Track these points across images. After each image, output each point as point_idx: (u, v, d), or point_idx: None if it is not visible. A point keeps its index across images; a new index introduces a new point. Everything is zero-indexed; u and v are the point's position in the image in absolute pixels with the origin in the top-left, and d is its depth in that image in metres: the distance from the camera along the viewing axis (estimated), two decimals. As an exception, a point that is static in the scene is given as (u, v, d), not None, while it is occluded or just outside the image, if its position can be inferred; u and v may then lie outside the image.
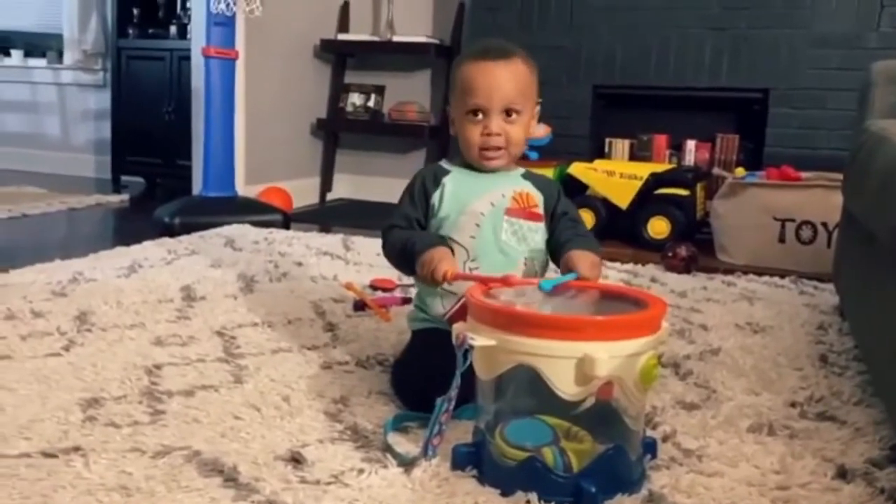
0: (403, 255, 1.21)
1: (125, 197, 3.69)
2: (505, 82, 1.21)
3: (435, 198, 1.25)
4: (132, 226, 3.04)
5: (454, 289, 1.20)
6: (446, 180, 1.26)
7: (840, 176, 2.40)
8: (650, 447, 1.04)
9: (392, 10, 3.64)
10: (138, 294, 1.82)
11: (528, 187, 1.27)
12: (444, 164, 1.30)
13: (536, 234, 1.25)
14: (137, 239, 2.46)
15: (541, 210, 1.26)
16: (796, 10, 2.82)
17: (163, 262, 2.19)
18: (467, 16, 3.48)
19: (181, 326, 1.59)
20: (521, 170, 1.31)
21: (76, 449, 1.02)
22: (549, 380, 0.90)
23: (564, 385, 0.90)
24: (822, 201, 2.41)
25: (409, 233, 1.24)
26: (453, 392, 0.97)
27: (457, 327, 0.97)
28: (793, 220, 2.47)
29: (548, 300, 1.08)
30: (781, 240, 2.49)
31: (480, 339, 0.93)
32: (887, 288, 1.19)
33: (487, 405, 1.01)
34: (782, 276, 2.25)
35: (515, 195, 1.24)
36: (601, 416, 0.98)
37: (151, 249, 2.35)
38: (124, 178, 4.12)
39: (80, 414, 1.13)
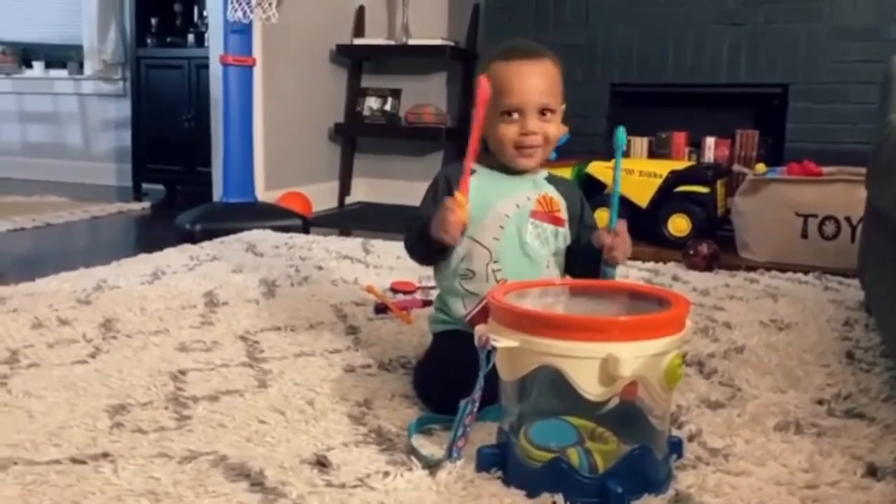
0: (420, 238, 1.22)
1: (146, 204, 3.73)
2: (539, 82, 1.21)
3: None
4: (154, 233, 3.07)
5: (477, 290, 1.21)
6: (472, 179, 1.26)
7: (863, 170, 2.38)
8: (676, 447, 1.03)
9: (407, 13, 3.65)
10: (162, 300, 1.84)
11: (552, 191, 1.28)
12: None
13: (557, 238, 1.26)
14: (159, 246, 2.49)
15: (563, 215, 1.26)
16: (815, 3, 2.79)
17: (185, 268, 2.21)
18: (482, 17, 3.48)
19: (205, 332, 1.61)
20: (545, 172, 1.31)
21: (105, 455, 1.03)
22: (573, 380, 0.90)
23: (589, 385, 0.90)
24: (844, 196, 2.39)
25: (422, 223, 1.24)
26: (477, 394, 0.97)
27: (479, 329, 0.97)
28: (815, 216, 2.45)
29: (570, 301, 1.08)
30: (804, 235, 2.46)
31: (503, 341, 0.93)
32: (914, 283, 1.18)
33: (511, 406, 1.01)
34: (806, 273, 2.23)
35: (540, 198, 1.25)
36: (626, 416, 0.98)
37: (174, 256, 2.38)
38: (145, 185, 4.16)
39: (108, 420, 1.14)
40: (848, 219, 2.39)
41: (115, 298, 1.85)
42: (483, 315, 1.09)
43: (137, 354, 1.45)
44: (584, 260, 1.25)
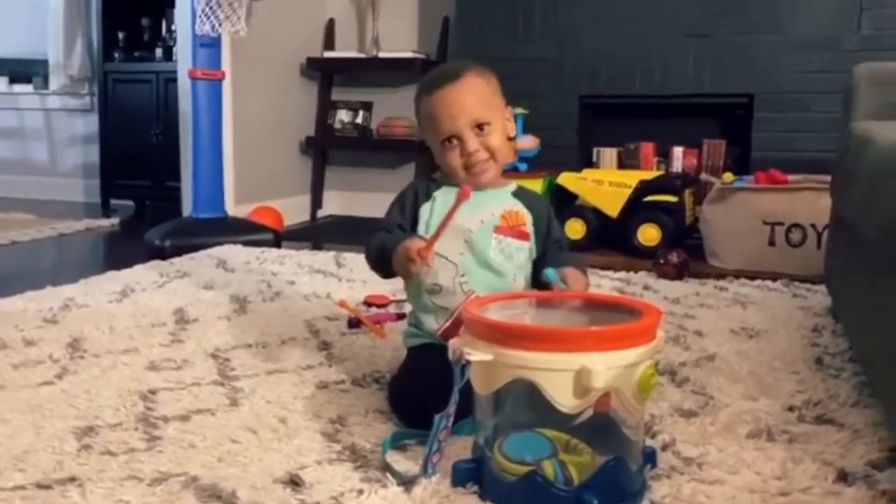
0: (381, 257, 1.23)
1: (115, 221, 3.68)
2: (464, 101, 1.22)
3: (424, 209, 1.26)
4: (123, 249, 3.02)
5: (447, 304, 1.20)
6: (437, 194, 1.26)
7: (826, 178, 2.42)
8: (650, 457, 1.03)
9: (377, 26, 3.65)
10: (131, 318, 1.81)
11: (518, 206, 1.28)
12: (437, 178, 1.31)
13: (522, 252, 1.26)
14: (128, 263, 2.45)
15: (528, 229, 1.27)
16: (777, 15, 2.84)
17: (155, 285, 2.18)
18: (452, 30, 3.50)
19: (175, 350, 1.58)
20: (513, 186, 1.31)
21: (72, 479, 1.00)
22: (547, 393, 0.90)
23: (563, 398, 0.90)
24: (810, 204, 2.42)
25: (387, 236, 1.25)
26: (451, 408, 0.97)
27: (453, 343, 0.97)
28: (782, 224, 2.48)
29: (539, 312, 1.08)
30: (771, 243, 2.50)
31: (477, 355, 0.93)
32: (879, 288, 1.20)
33: (486, 420, 1.00)
34: (774, 280, 2.26)
35: (504, 213, 1.25)
36: (600, 427, 0.98)
37: (143, 273, 2.34)
38: (113, 201, 4.10)
39: (75, 443, 1.12)
40: (814, 226, 2.43)
41: (83, 317, 1.81)
42: (455, 328, 1.09)
43: (106, 374, 1.43)
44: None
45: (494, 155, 1.24)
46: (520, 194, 1.30)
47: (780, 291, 2.16)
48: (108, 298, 2.01)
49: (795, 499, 0.97)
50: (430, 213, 1.25)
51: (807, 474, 1.03)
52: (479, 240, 1.23)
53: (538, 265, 1.25)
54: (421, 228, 1.25)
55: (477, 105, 1.22)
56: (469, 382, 0.96)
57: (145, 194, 4.07)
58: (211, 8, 2.73)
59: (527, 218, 1.27)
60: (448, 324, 1.15)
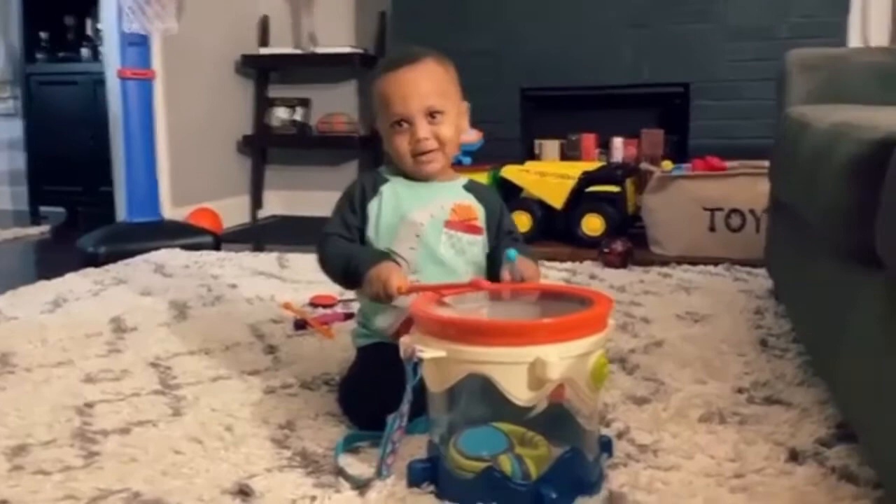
0: (346, 273, 1.17)
1: (45, 228, 3.53)
2: (419, 85, 1.19)
3: (373, 205, 1.22)
4: (54, 258, 2.90)
5: (397, 302, 1.18)
6: (384, 189, 1.23)
7: (762, 163, 2.47)
8: (606, 446, 1.03)
9: (313, 21, 3.59)
10: (64, 329, 1.73)
11: (470, 199, 1.25)
12: (383, 171, 1.27)
13: (475, 247, 1.24)
14: (60, 272, 2.35)
15: (481, 223, 1.25)
16: (711, 5, 2.89)
17: (89, 293, 2.09)
18: (390, 23, 3.46)
19: (112, 360, 1.52)
20: (464, 180, 1.29)
21: (3, 503, 0.94)
22: (501, 387, 0.88)
23: (517, 391, 0.88)
24: (747, 189, 2.47)
25: (349, 247, 1.20)
26: (405, 407, 0.94)
27: (404, 340, 0.94)
28: (721, 210, 2.53)
29: (490, 305, 1.07)
30: (712, 229, 2.54)
31: (430, 352, 0.90)
32: (819, 270, 1.22)
33: (440, 417, 0.98)
34: (715, 265, 2.30)
35: (455, 207, 1.22)
36: (555, 418, 0.97)
37: (76, 281, 2.25)
38: (43, 208, 3.94)
39: (6, 464, 1.06)
40: (752, 211, 2.48)
41: (13, 330, 1.73)
42: (406, 326, 1.06)
43: (38, 389, 1.35)
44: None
45: (444, 146, 1.21)
46: (471, 188, 1.28)
47: (722, 276, 2.19)
48: (39, 309, 1.92)
49: (750, 480, 0.97)
50: (379, 208, 1.22)
51: (759, 455, 1.04)
52: (430, 234, 1.20)
53: (492, 259, 1.23)
54: (370, 226, 1.22)
55: (432, 91, 1.19)
56: (422, 380, 0.94)
57: (77, 200, 3.92)
58: (139, 5, 2.63)
59: (479, 212, 1.25)
60: (399, 322, 1.12)
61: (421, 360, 0.91)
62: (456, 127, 1.23)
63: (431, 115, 1.20)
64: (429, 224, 1.20)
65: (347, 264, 1.17)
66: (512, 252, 1.11)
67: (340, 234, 1.22)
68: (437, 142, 1.21)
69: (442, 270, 1.18)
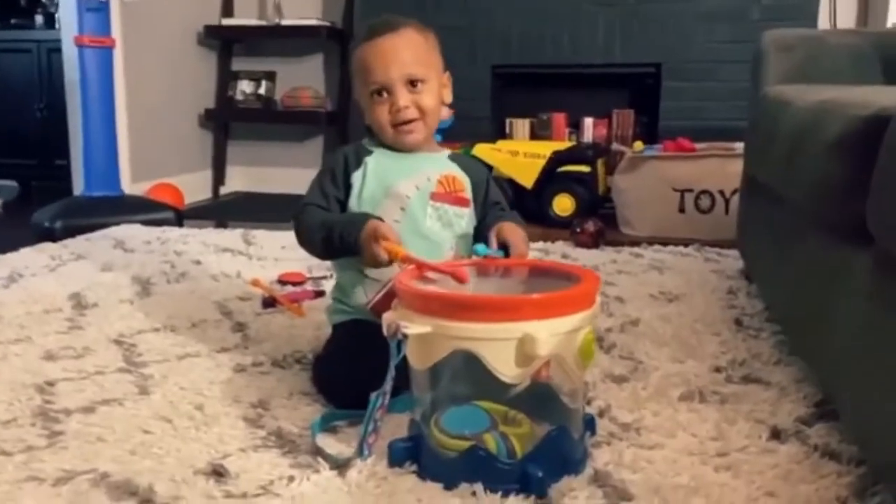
0: (328, 243, 1.13)
1: (-3, 202, 3.40)
2: (399, 53, 1.16)
3: (356, 177, 1.18)
4: (7, 233, 2.78)
5: (376, 275, 1.14)
6: (369, 160, 1.19)
7: (732, 145, 2.50)
8: (590, 424, 1.02)
9: (279, -8, 3.49)
10: (21, 305, 1.66)
11: (455, 170, 1.22)
12: (366, 143, 1.23)
13: (462, 219, 1.21)
14: (14, 247, 2.26)
15: (468, 194, 1.22)
16: (683, -15, 2.88)
17: (46, 269, 2.01)
18: (358, -3, 3.38)
19: (73, 337, 1.46)
20: (447, 151, 1.27)
21: (-39, 484, 0.90)
22: (489, 364, 0.86)
23: (505, 368, 0.86)
24: (717, 170, 2.48)
25: (328, 216, 1.16)
26: (388, 386, 0.91)
27: (387, 317, 0.91)
28: (691, 191, 2.54)
29: (477, 281, 1.04)
30: (681, 210, 2.55)
31: (415, 327, 0.87)
32: (801, 249, 1.22)
33: (422, 395, 0.96)
34: (686, 245, 2.30)
35: (441, 178, 1.19)
36: (538, 396, 0.95)
37: (31, 256, 2.16)
38: (-6, 182, 3.80)
39: (-37, 444, 1.00)
40: (721, 192, 2.49)
41: (-35, 306, 1.65)
42: (386, 302, 1.03)
43: (-5, 367, 1.29)
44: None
45: (425, 115, 1.18)
46: (456, 158, 1.25)
47: (693, 256, 2.20)
48: (-7, 285, 1.84)
49: (734, 458, 0.97)
50: (363, 180, 1.18)
51: (741, 434, 1.03)
52: (414, 207, 1.17)
53: (479, 230, 1.20)
54: (353, 198, 1.18)
55: (412, 60, 1.16)
56: (403, 357, 0.91)
57: (30, 174, 3.80)
58: (97, -31, 2.52)
59: (465, 183, 1.22)
60: (378, 297, 1.09)
61: (406, 336, 0.88)
62: (437, 97, 1.20)
63: (412, 83, 1.16)
64: (415, 197, 1.17)
65: (329, 234, 1.12)
66: (480, 248, 1.08)
67: (318, 204, 1.18)
68: (418, 111, 1.17)
69: (426, 244, 1.14)
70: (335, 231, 1.11)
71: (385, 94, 1.17)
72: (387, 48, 1.16)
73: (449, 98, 1.25)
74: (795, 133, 1.20)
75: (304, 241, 1.19)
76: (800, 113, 1.22)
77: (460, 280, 0.96)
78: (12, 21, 3.75)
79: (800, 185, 1.14)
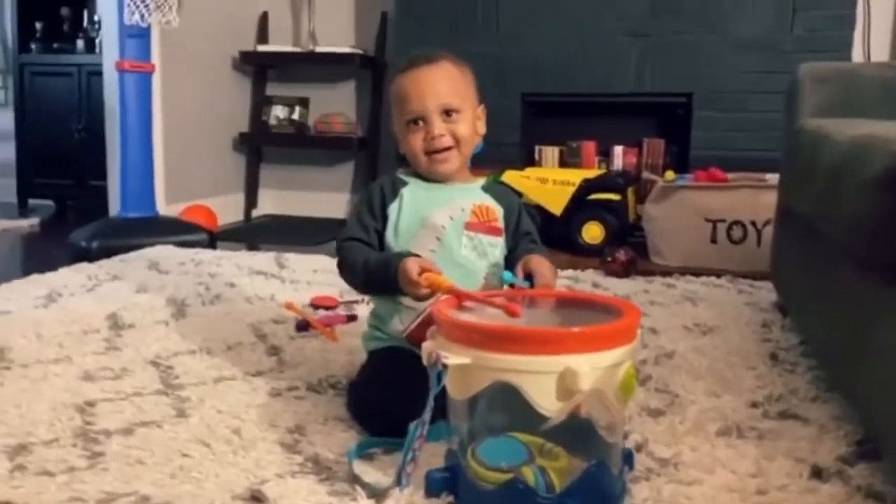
0: (369, 285, 1.17)
1: (35, 221, 3.47)
2: (435, 84, 1.19)
3: (392, 209, 1.20)
4: (44, 252, 2.85)
5: (412, 304, 1.15)
6: (404, 191, 1.21)
7: (764, 175, 2.48)
8: (628, 459, 1.01)
9: (314, 19, 3.56)
10: (60, 325, 1.69)
11: (488, 200, 1.24)
12: (401, 174, 1.25)
13: (496, 248, 1.22)
14: (52, 266, 2.30)
15: (500, 224, 1.23)
16: (716, 16, 2.89)
17: (83, 289, 2.05)
18: (392, 25, 3.44)
19: (111, 358, 1.48)
20: (481, 181, 1.28)
21: (6, 504, 0.91)
22: (529, 397, 0.86)
23: (546, 401, 0.86)
24: (750, 201, 2.47)
25: (367, 257, 1.18)
26: (427, 415, 0.91)
27: (427, 346, 0.92)
28: (723, 221, 2.52)
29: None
30: (713, 240, 2.53)
31: (455, 358, 0.88)
32: (840, 283, 1.21)
33: (460, 425, 0.96)
34: (718, 276, 2.29)
35: (475, 209, 1.21)
36: (574, 429, 0.95)
37: (69, 276, 2.20)
38: (32, 201, 3.89)
39: (7, 463, 1.02)
40: (753, 223, 2.47)
41: (7, 325, 1.68)
42: (422, 330, 1.04)
43: (36, 386, 1.32)
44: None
45: (459, 144, 1.20)
46: (489, 188, 1.27)
47: (726, 287, 2.18)
48: (32, 304, 1.88)
49: (774, 497, 0.95)
50: (399, 211, 1.20)
51: (781, 472, 1.02)
52: (451, 236, 1.18)
53: (509, 260, 1.21)
54: (390, 229, 1.20)
55: (447, 90, 1.19)
56: (442, 387, 0.91)
57: (67, 193, 3.88)
58: (140, -4, 2.59)
59: (498, 212, 1.23)
60: (414, 325, 1.09)
61: (445, 366, 0.88)
62: (472, 127, 1.22)
63: (447, 112, 1.19)
64: (450, 227, 1.18)
65: (368, 279, 1.16)
66: (507, 275, 1.10)
67: (359, 237, 1.20)
68: (453, 139, 1.19)
69: (462, 273, 1.15)
70: (374, 278, 1.14)
71: (420, 123, 1.19)
72: (424, 79, 1.19)
73: (482, 129, 1.27)
74: (834, 167, 1.19)
75: (347, 279, 1.22)
76: (839, 147, 1.22)
77: (513, 314, 0.95)
78: (55, 45, 3.85)
79: (838, 219, 1.14)
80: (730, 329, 1.72)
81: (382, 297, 1.21)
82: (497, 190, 1.28)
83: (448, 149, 1.20)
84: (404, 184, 1.22)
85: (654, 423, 1.18)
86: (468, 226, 1.19)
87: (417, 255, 1.13)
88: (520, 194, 2.84)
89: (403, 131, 1.21)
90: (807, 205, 1.41)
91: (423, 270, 1.06)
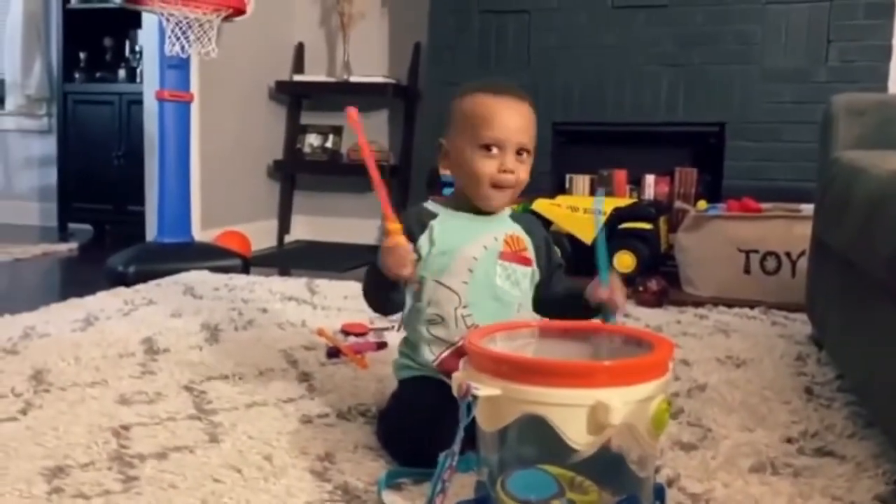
0: (377, 286, 1.18)
1: (73, 245, 3.55)
2: (521, 120, 1.18)
3: (422, 241, 1.20)
4: (83, 276, 2.91)
5: (445, 336, 1.16)
6: (434, 223, 1.21)
7: (798, 206, 2.46)
8: (659, 494, 1.00)
9: (348, 50, 3.62)
10: (97, 348, 1.72)
11: (518, 230, 1.24)
12: (429, 206, 1.26)
13: (526, 278, 1.22)
14: (89, 289, 2.35)
15: (530, 254, 1.23)
16: (748, 46, 2.89)
17: (120, 313, 2.09)
18: (424, 56, 3.49)
19: (146, 382, 1.50)
20: (509, 211, 1.28)
21: (43, 526, 0.93)
22: (559, 430, 0.86)
23: (576, 435, 0.86)
24: (784, 232, 2.44)
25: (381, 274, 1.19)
26: (457, 446, 0.91)
27: (457, 377, 0.92)
28: (757, 252, 2.49)
29: (538, 342, 1.04)
30: (747, 271, 2.50)
31: (485, 389, 0.88)
32: (876, 318, 1.19)
33: (490, 456, 0.96)
34: (751, 307, 2.26)
35: (507, 238, 1.21)
36: (605, 462, 0.94)
37: (106, 300, 2.25)
38: (72, 225, 3.98)
39: (45, 485, 1.04)
40: (788, 254, 2.44)
41: (45, 347, 1.72)
42: (453, 360, 1.04)
43: (74, 409, 1.34)
44: (564, 305, 1.22)
45: (517, 185, 1.20)
46: (518, 218, 1.27)
47: (760, 319, 2.15)
48: (70, 327, 1.91)
49: (810, 537, 0.94)
50: (430, 243, 1.19)
51: (817, 510, 1.00)
52: (484, 267, 1.18)
53: (541, 290, 1.21)
54: (420, 261, 1.20)
55: (528, 131, 1.19)
56: (472, 417, 0.91)
57: (105, 218, 3.96)
58: (181, 29, 2.67)
59: (527, 242, 1.23)
60: (446, 354, 1.10)
61: (476, 397, 0.89)
62: (528, 172, 1.22)
63: (519, 152, 1.18)
64: (483, 257, 1.19)
65: (375, 279, 1.16)
66: (611, 318, 1.12)
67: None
68: (516, 180, 1.19)
69: (497, 305, 1.16)
70: (372, 280, 1.16)
71: (495, 151, 1.17)
72: (515, 110, 1.17)
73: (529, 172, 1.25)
74: (871, 201, 1.18)
75: (368, 301, 1.23)
76: (875, 181, 1.21)
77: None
78: (98, 74, 3.96)
79: (875, 254, 1.12)
80: (763, 362, 1.70)
81: (413, 326, 1.22)
82: (524, 220, 1.28)
83: (509, 187, 1.19)
84: (433, 215, 1.22)
85: (687, 458, 1.17)
86: (502, 255, 1.19)
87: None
88: (550, 223, 2.86)
89: (473, 152, 1.18)
90: (842, 239, 1.39)
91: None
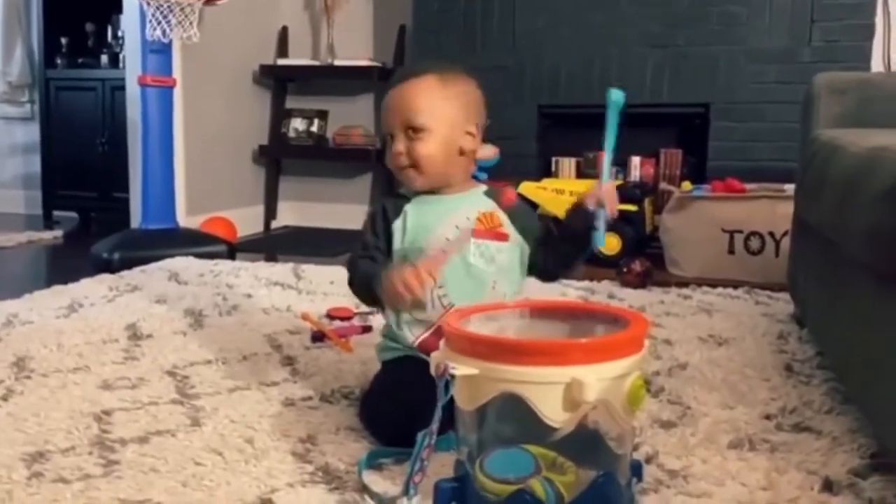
0: (369, 289, 1.17)
1: (59, 233, 3.53)
2: (404, 102, 1.18)
3: (397, 226, 1.21)
4: (68, 263, 2.90)
5: (423, 316, 1.16)
6: (408, 208, 1.22)
7: (782, 186, 2.47)
8: (636, 470, 1.01)
9: (332, 33, 3.60)
10: (80, 335, 1.71)
11: (492, 206, 1.24)
12: (404, 191, 1.26)
13: (503, 253, 1.21)
14: (74, 276, 2.34)
15: (507, 229, 1.23)
16: (733, 27, 2.88)
17: (104, 299, 2.08)
18: (410, 38, 3.46)
19: (129, 368, 1.50)
20: (483, 187, 1.28)
21: (22, 510, 0.93)
22: (536, 408, 0.86)
23: (552, 412, 0.86)
24: (768, 212, 2.46)
25: (370, 270, 1.18)
26: (435, 425, 0.92)
27: (435, 356, 0.93)
28: (741, 232, 2.51)
29: (518, 322, 1.05)
30: (731, 251, 2.52)
31: (462, 369, 0.88)
32: (855, 295, 1.20)
33: (469, 436, 0.96)
34: (735, 287, 2.27)
35: (480, 216, 1.21)
36: (583, 440, 0.95)
37: (91, 287, 2.24)
38: (56, 213, 3.95)
39: (25, 470, 1.04)
40: (772, 234, 2.46)
41: (28, 334, 1.71)
42: (434, 339, 1.04)
43: (55, 395, 1.34)
44: (563, 239, 1.23)
45: (417, 164, 1.18)
46: (492, 194, 1.26)
47: (743, 299, 2.17)
48: (54, 314, 1.91)
49: (784, 510, 0.95)
50: (404, 228, 1.20)
51: (792, 484, 1.01)
52: None
53: (540, 248, 1.23)
54: (396, 245, 1.20)
55: (417, 108, 1.17)
56: (450, 397, 0.92)
57: (90, 206, 3.93)
58: (162, 13, 2.64)
59: (503, 217, 1.23)
60: (427, 334, 1.10)
61: (453, 377, 0.89)
62: (440, 146, 1.18)
63: (413, 130, 1.18)
64: (455, 236, 1.18)
65: (369, 284, 1.16)
66: (599, 240, 1.10)
67: (364, 255, 1.22)
68: (409, 159, 1.18)
69: (471, 282, 1.16)
70: (372, 282, 1.15)
71: (391, 139, 1.21)
72: (397, 95, 1.20)
73: (473, 146, 1.23)
74: (847, 179, 1.19)
75: (355, 292, 1.24)
76: (852, 159, 1.21)
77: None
78: (80, 60, 3.92)
79: (852, 231, 1.13)
80: (745, 340, 1.71)
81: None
82: (498, 193, 1.27)
83: (405, 167, 1.19)
84: (407, 200, 1.23)
85: (666, 435, 1.18)
86: (475, 233, 1.19)
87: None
88: (536, 205, 2.86)
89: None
90: (820, 216, 1.40)
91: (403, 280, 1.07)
